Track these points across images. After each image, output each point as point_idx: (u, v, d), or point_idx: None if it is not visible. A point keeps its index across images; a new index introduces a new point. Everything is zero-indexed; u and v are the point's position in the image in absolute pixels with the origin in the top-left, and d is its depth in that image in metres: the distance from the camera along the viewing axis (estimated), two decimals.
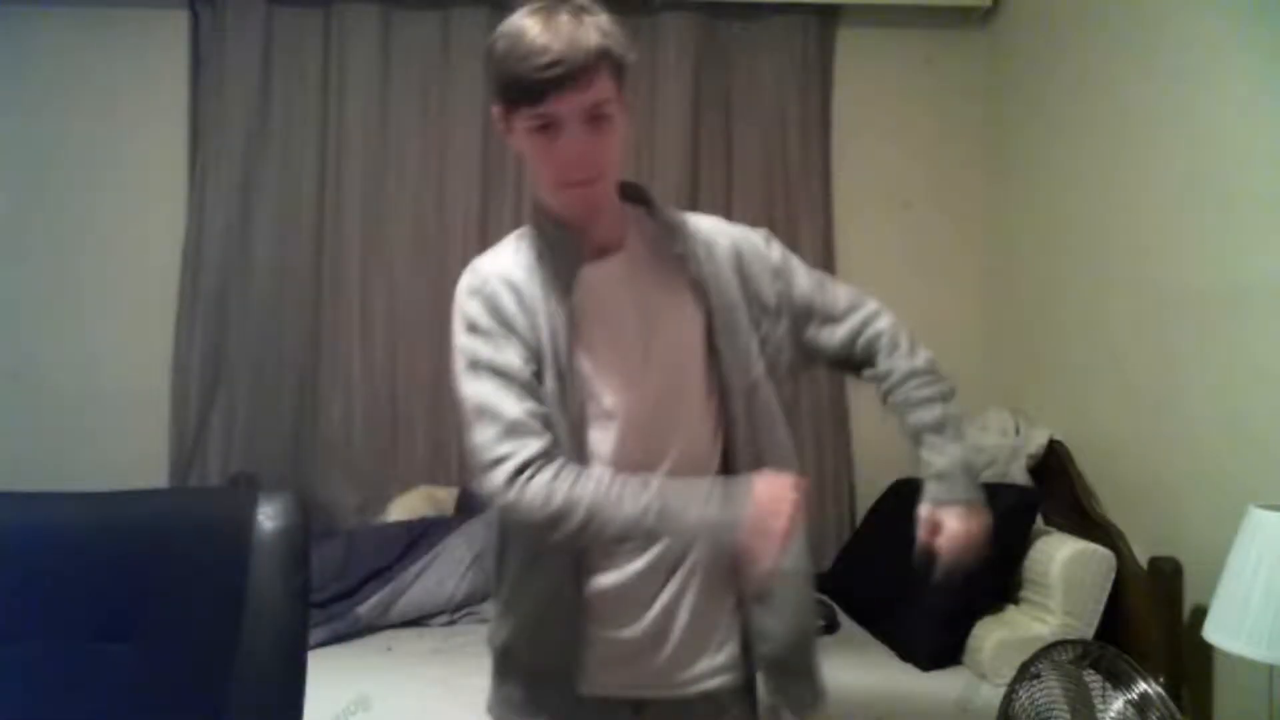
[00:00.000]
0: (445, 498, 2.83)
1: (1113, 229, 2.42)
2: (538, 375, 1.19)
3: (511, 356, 1.19)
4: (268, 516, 1.21)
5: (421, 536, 2.57)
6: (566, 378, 1.20)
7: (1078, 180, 2.60)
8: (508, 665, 1.31)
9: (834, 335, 1.36)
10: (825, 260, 3.11)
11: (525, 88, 1.13)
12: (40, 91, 2.99)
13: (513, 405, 1.16)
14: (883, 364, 1.35)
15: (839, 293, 1.38)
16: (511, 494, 1.13)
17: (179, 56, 3.04)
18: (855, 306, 1.37)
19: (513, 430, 1.15)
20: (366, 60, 3.03)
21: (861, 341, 1.36)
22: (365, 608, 2.41)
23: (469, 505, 2.76)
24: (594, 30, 1.14)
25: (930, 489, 1.29)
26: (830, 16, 3.17)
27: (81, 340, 2.97)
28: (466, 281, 1.26)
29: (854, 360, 1.38)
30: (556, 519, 1.12)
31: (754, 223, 3.31)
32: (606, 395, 1.22)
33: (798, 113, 3.12)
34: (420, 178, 3.04)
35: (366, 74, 3.03)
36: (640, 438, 1.22)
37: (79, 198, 2.99)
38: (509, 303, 1.21)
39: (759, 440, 1.28)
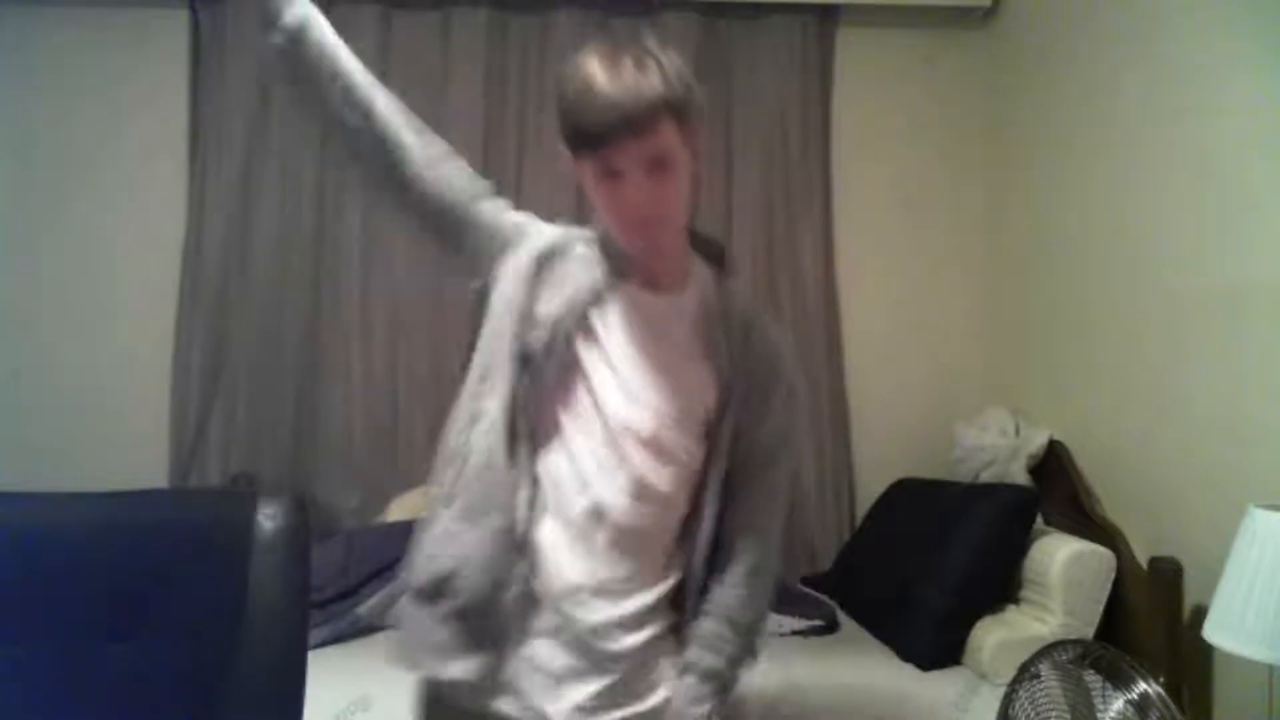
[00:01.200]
0: None
1: (1113, 229, 2.42)
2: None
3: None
4: (268, 516, 1.21)
5: None
6: (566, 359, 1.22)
7: (1078, 180, 2.60)
8: (436, 600, 1.23)
9: (736, 506, 1.31)
10: (825, 260, 3.11)
11: (586, 137, 1.14)
12: (40, 91, 2.99)
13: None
14: (721, 582, 1.29)
15: (779, 500, 1.34)
16: None
17: (179, 56, 3.05)
18: (767, 516, 1.32)
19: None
20: (366, 60, 3.00)
21: (735, 538, 1.30)
22: (365, 608, 2.41)
23: None
24: (656, 77, 1.13)
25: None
26: (830, 16, 3.17)
27: (81, 340, 2.98)
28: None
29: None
30: None
31: (755, 222, 3.33)
32: (583, 402, 1.23)
33: (798, 113, 3.13)
34: None
35: None
36: (600, 458, 1.22)
37: (79, 197, 2.99)
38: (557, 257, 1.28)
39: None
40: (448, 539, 1.22)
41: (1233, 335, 1.97)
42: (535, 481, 1.23)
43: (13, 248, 2.97)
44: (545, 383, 1.22)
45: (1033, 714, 1.74)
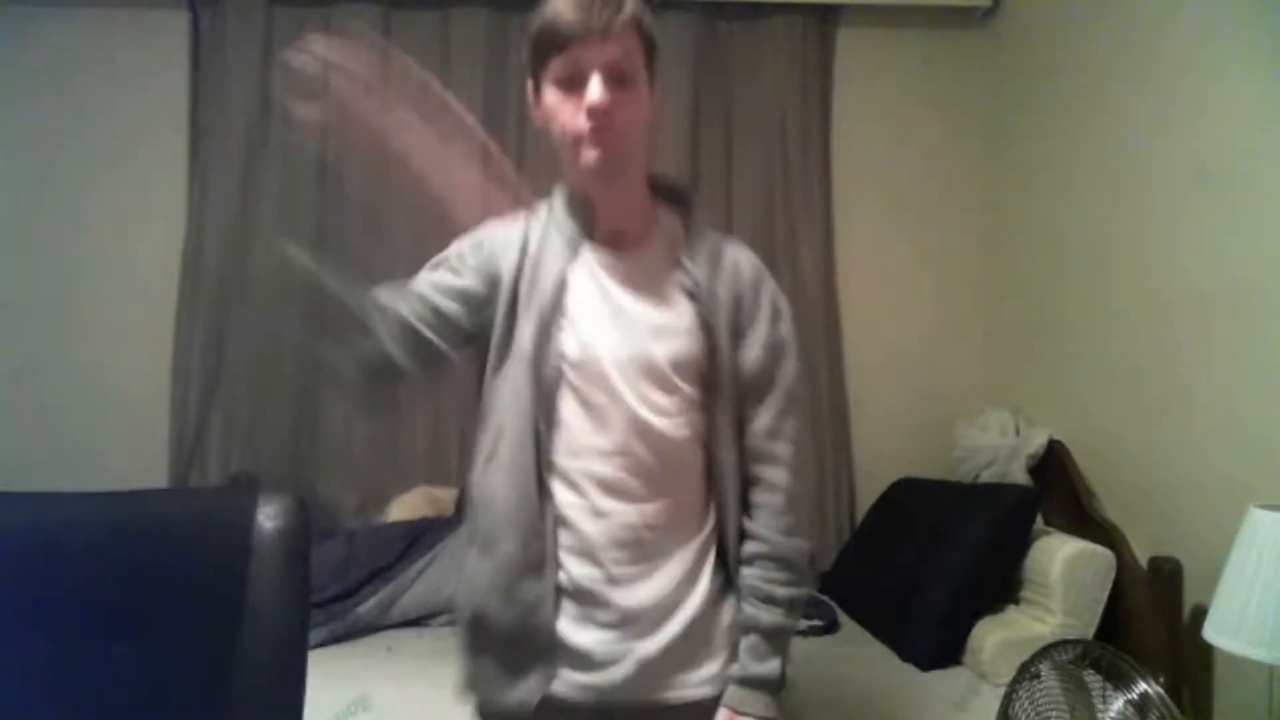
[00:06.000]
0: (445, 498, 2.83)
1: (1113, 229, 2.42)
2: (487, 304, 1.30)
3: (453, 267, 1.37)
4: (268, 516, 1.21)
5: (421, 536, 2.57)
6: (550, 334, 1.22)
7: (1078, 180, 2.60)
8: (480, 635, 1.27)
9: (748, 436, 1.29)
10: (825, 260, 3.11)
11: (554, 34, 1.17)
12: (40, 92, 2.99)
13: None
14: (755, 521, 1.27)
15: (789, 420, 1.29)
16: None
17: (179, 56, 3.04)
18: (784, 440, 1.28)
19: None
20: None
21: (756, 471, 1.28)
22: (365, 608, 2.41)
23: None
24: (630, 2, 1.19)
25: (733, 693, 1.22)
26: (830, 16, 3.17)
27: (82, 340, 2.98)
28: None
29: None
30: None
31: (754, 222, 3.32)
32: (574, 366, 1.23)
33: (798, 113, 3.12)
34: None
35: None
36: (599, 424, 1.23)
37: (79, 198, 2.99)
38: (500, 243, 1.32)
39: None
40: (471, 580, 1.27)
41: (1232, 336, 1.97)
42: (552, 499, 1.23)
43: (12, 248, 2.97)
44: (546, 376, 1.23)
45: (1033, 714, 1.74)
